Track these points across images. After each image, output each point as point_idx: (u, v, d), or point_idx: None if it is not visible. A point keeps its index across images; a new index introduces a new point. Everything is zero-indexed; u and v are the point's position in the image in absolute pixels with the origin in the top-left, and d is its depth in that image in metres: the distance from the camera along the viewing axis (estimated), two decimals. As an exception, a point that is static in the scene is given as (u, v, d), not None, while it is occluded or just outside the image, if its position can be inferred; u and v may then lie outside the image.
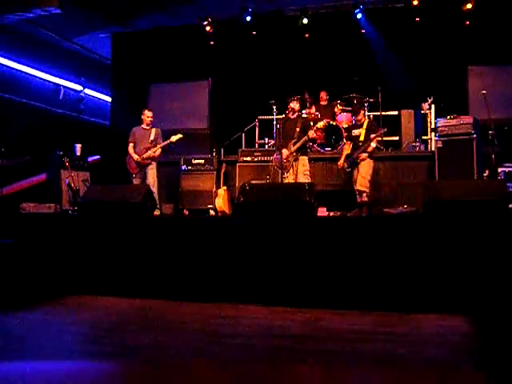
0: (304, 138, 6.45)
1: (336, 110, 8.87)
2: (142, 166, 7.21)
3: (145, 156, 7.19)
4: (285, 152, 6.49)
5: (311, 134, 6.44)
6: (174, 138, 7.30)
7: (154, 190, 6.83)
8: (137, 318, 3.72)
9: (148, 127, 7.41)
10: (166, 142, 7.29)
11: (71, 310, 3.98)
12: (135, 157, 7.16)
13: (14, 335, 3.21)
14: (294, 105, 6.69)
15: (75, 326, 3.48)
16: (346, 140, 7.35)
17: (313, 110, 8.77)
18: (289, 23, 9.24)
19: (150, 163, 7.26)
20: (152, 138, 7.30)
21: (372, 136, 6.78)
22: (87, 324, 3.54)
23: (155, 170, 7.30)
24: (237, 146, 9.06)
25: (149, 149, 7.21)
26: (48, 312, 3.90)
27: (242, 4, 9.12)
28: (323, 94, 9.00)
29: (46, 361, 2.65)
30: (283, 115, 8.90)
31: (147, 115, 7.40)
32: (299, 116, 6.81)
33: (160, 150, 7.26)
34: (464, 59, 8.30)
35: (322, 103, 9.01)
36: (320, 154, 8.26)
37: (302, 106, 7.02)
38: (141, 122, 7.45)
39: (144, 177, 7.22)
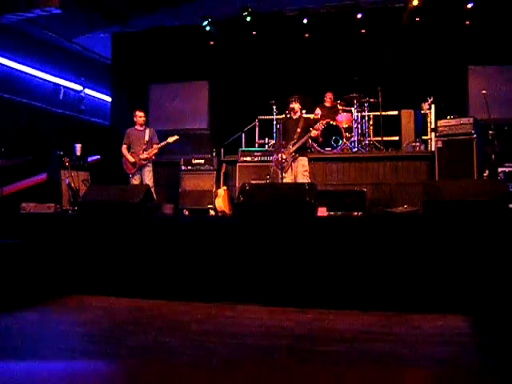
0: (304, 138, 6.46)
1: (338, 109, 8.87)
2: (139, 167, 7.23)
3: (142, 157, 7.20)
4: (284, 152, 6.51)
5: (314, 133, 6.45)
6: (170, 139, 7.32)
7: (152, 190, 6.85)
8: (137, 318, 3.72)
9: (142, 128, 7.42)
10: (163, 143, 7.31)
11: (71, 310, 3.98)
12: (130, 158, 7.19)
13: (14, 335, 3.21)
14: (295, 105, 6.69)
15: (75, 326, 3.48)
16: None
17: (317, 110, 8.75)
18: (289, 23, 9.24)
19: (147, 164, 7.28)
20: (147, 138, 7.31)
21: None
22: (87, 324, 3.54)
23: (151, 171, 7.32)
24: (237, 145, 9.06)
25: (145, 149, 7.23)
26: (48, 312, 3.90)
27: (242, 4, 9.12)
28: (329, 95, 8.99)
29: (46, 361, 2.64)
30: (283, 115, 8.90)
31: (139, 116, 7.40)
32: (301, 116, 6.82)
33: (157, 150, 7.28)
34: (464, 59, 8.31)
35: (327, 104, 9.00)
36: (320, 154, 8.26)
37: (303, 106, 7.01)
38: (134, 123, 7.45)
39: (141, 178, 7.24)
